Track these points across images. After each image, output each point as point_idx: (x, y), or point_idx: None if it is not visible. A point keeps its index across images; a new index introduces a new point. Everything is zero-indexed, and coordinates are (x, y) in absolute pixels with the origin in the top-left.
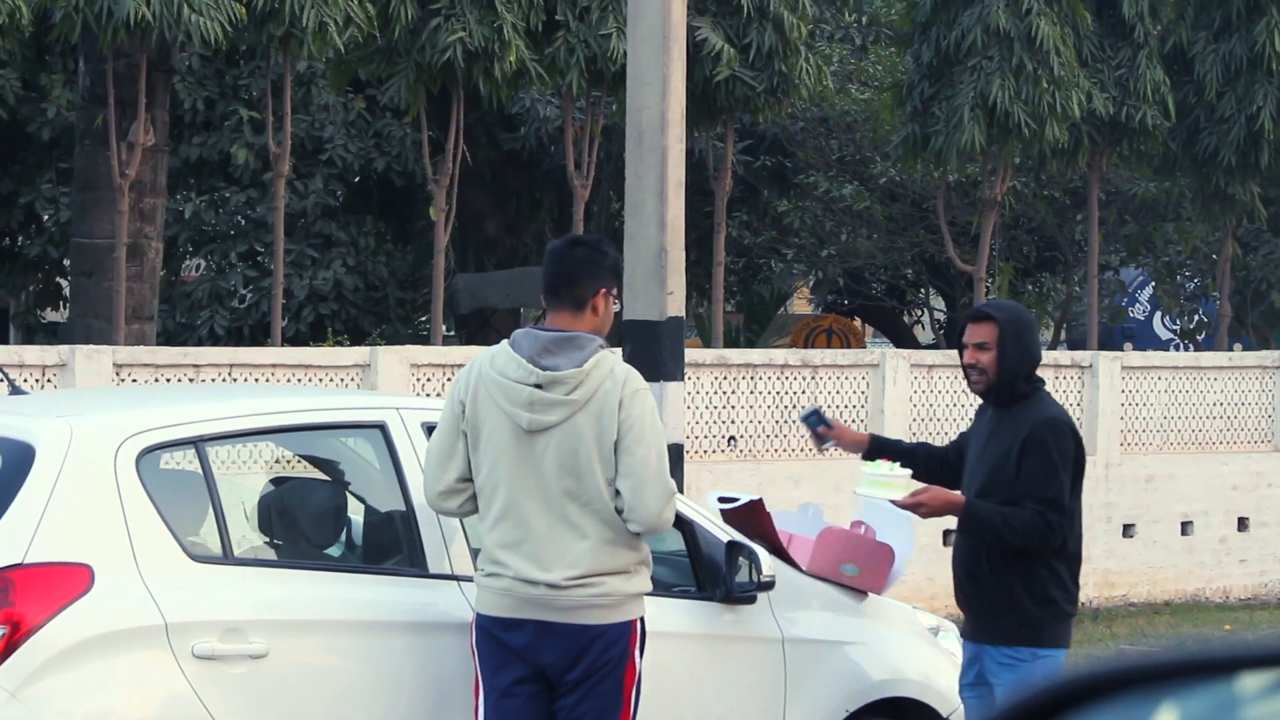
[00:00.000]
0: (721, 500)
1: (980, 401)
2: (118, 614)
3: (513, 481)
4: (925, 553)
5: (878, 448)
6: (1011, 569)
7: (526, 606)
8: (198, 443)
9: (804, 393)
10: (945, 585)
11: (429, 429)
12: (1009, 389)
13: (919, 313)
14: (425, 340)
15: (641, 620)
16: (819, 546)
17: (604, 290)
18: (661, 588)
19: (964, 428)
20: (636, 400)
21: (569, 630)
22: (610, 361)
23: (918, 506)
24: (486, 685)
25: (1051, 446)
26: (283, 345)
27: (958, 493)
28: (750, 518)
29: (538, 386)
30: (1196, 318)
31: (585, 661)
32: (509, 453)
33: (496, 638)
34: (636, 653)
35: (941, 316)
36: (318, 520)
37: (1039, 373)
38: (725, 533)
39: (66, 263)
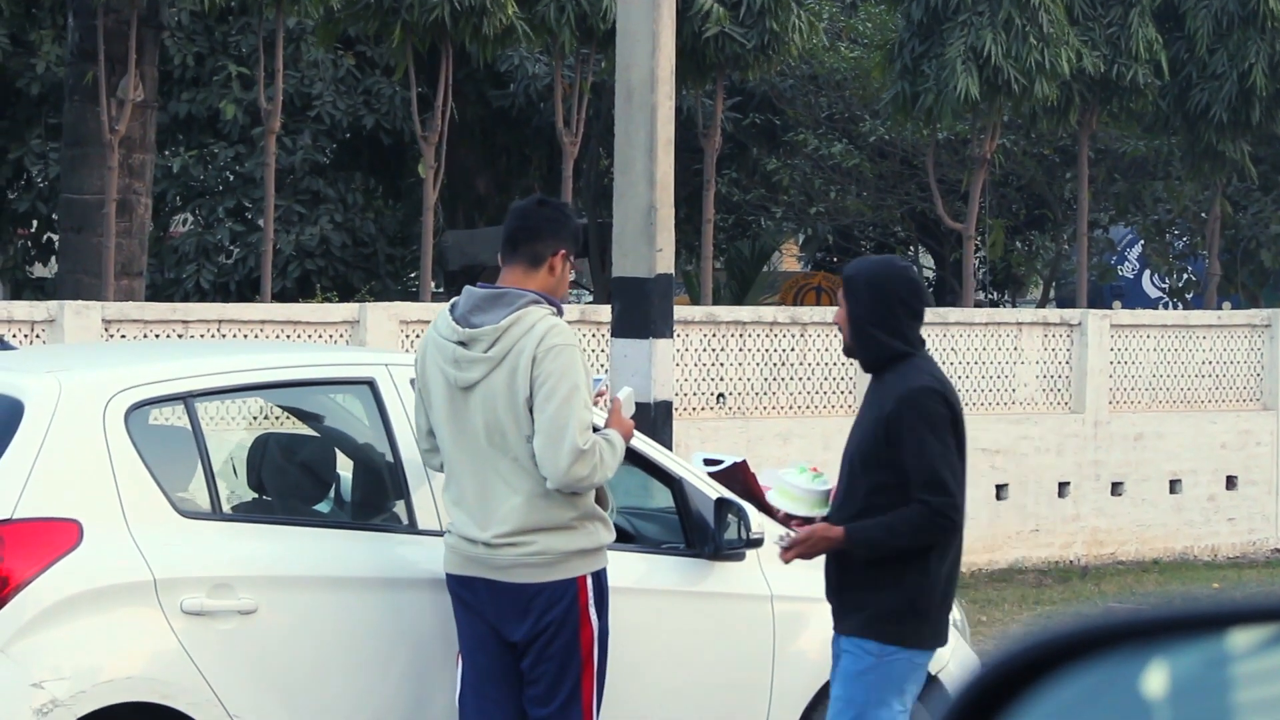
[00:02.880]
0: (706, 462)
1: None
2: (106, 570)
3: (451, 439)
4: None
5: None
6: (882, 559)
7: (471, 564)
8: (187, 398)
9: (793, 350)
10: None
11: None
12: (865, 352)
13: None
14: (414, 297)
15: (595, 576)
16: None
17: (563, 251)
18: (650, 545)
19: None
20: (550, 356)
21: (509, 589)
22: (533, 318)
23: (795, 547)
24: (460, 641)
25: (916, 420)
26: (271, 301)
27: (837, 528)
28: (736, 479)
29: (462, 344)
30: (1185, 276)
31: (529, 622)
32: (446, 410)
33: (457, 594)
34: (590, 611)
35: (931, 274)
36: (307, 476)
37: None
38: (714, 490)
39: (55, 218)
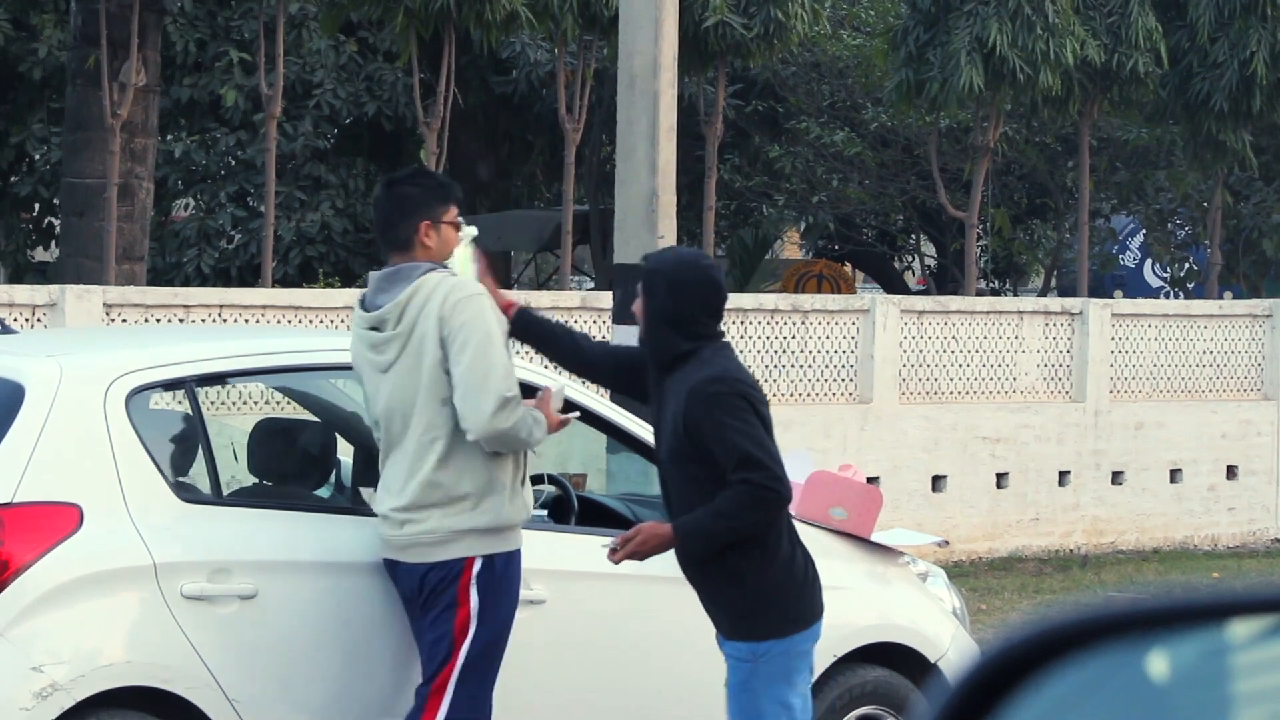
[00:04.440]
0: None
1: None
2: (106, 554)
3: (378, 420)
4: (913, 498)
5: (523, 322)
6: (723, 554)
7: (386, 548)
8: (188, 383)
9: (794, 338)
10: (934, 529)
11: None
12: (657, 348)
13: (910, 259)
14: None
15: (486, 560)
16: (807, 490)
17: (425, 222)
18: None
19: (954, 374)
20: (458, 310)
21: (407, 570)
22: (432, 283)
23: (633, 555)
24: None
25: (710, 408)
26: (273, 287)
27: (665, 526)
28: None
29: (375, 329)
30: (1187, 266)
31: (421, 600)
32: (372, 393)
33: (391, 578)
34: (470, 593)
35: (932, 263)
36: (307, 461)
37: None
38: None
39: (57, 202)
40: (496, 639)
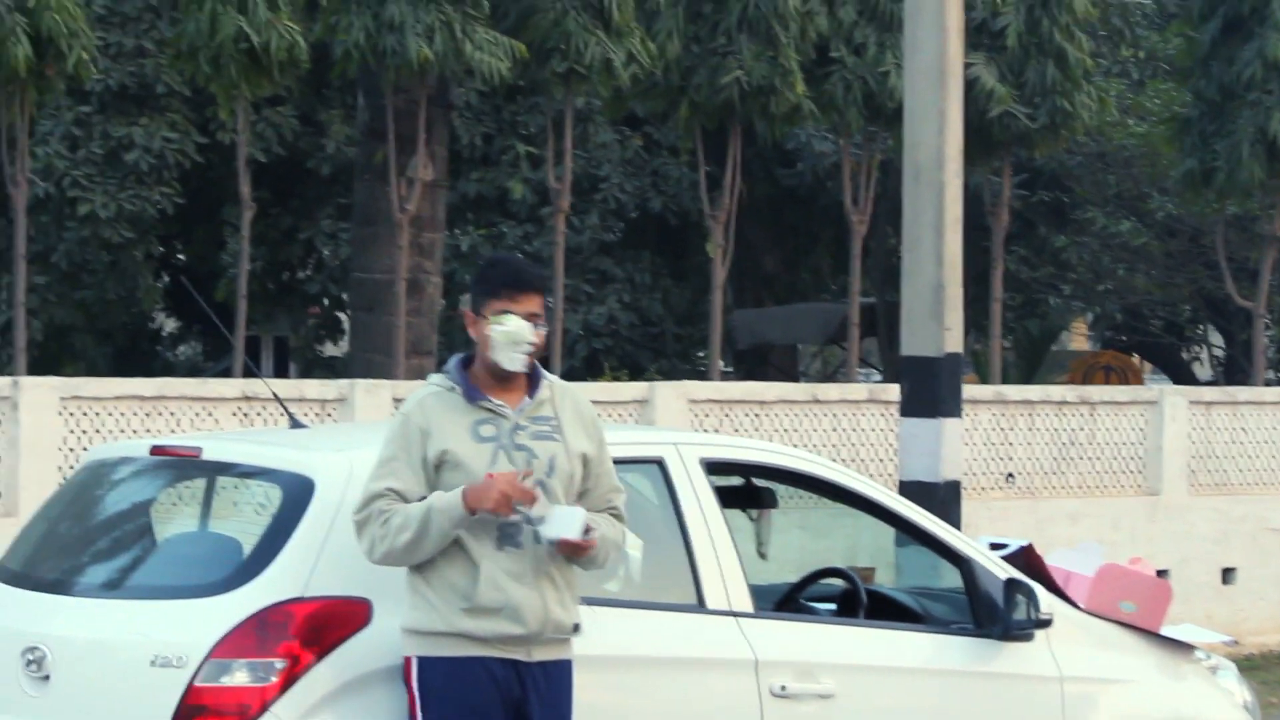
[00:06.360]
0: (992, 547)
1: None
2: (395, 649)
3: None
4: (1203, 591)
5: None
6: None
7: None
8: None
9: (1082, 429)
10: (1224, 622)
11: (708, 465)
12: None
13: (1197, 349)
14: (703, 376)
15: (419, 665)
16: (1097, 584)
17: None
18: (939, 625)
19: (1243, 465)
20: None
21: None
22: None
23: None
24: None
25: None
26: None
27: None
28: (1024, 562)
29: None
30: None
31: None
32: None
33: None
34: (415, 694)
35: (1220, 353)
36: None
37: None
38: (1003, 570)
39: (345, 297)
40: None
